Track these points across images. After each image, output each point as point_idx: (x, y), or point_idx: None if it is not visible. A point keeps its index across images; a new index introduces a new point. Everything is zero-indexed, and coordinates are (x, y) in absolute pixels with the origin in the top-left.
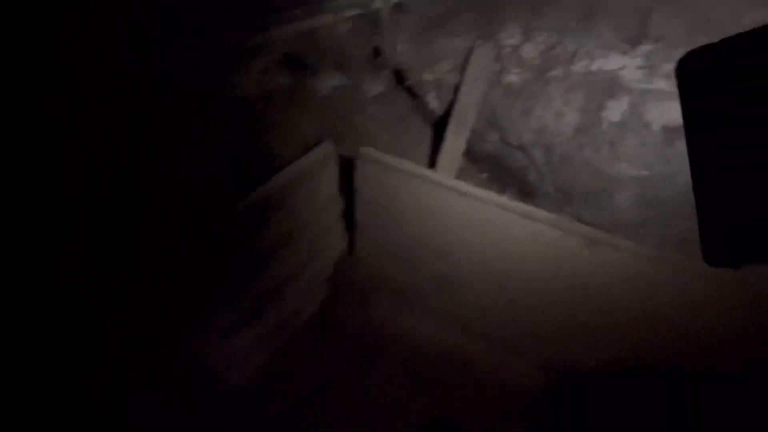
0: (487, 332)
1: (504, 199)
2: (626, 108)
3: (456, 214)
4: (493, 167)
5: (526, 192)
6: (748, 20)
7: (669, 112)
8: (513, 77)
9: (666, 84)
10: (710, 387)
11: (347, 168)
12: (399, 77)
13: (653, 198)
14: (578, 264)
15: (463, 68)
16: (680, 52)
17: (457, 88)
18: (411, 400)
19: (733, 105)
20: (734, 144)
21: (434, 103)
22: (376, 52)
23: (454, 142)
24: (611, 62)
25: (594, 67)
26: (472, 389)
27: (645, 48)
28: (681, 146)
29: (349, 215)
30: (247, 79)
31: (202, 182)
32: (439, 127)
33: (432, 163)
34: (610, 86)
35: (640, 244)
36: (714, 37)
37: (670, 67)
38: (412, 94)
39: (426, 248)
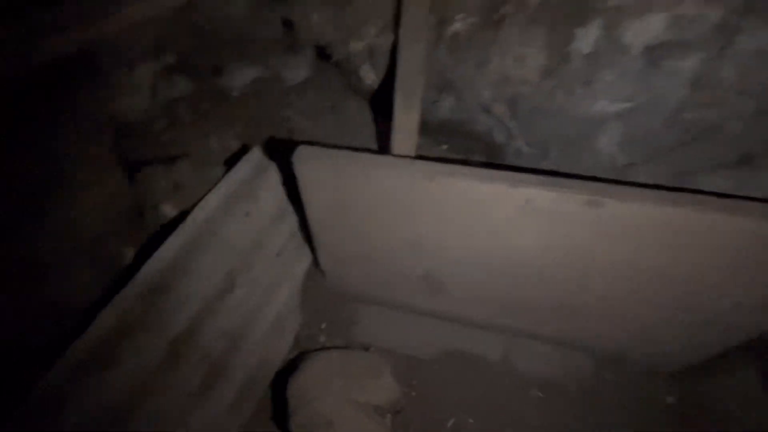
0: (489, 324)
1: (481, 171)
2: (598, 34)
3: (429, 200)
4: (453, 135)
5: (494, 155)
6: None
7: (651, 26)
8: (457, 25)
9: None
10: None
11: (287, 173)
12: (323, 54)
13: (640, 132)
14: (580, 227)
15: (395, 26)
16: None
17: (393, 52)
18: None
19: None
20: None
21: (370, 77)
22: (287, 27)
23: (406, 117)
24: None
25: None
26: (485, 387)
27: None
28: (667, 66)
29: (305, 226)
30: (134, 97)
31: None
32: (382, 103)
33: (384, 148)
34: (576, 10)
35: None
36: None
37: None
38: (343, 70)
39: (401, 246)
